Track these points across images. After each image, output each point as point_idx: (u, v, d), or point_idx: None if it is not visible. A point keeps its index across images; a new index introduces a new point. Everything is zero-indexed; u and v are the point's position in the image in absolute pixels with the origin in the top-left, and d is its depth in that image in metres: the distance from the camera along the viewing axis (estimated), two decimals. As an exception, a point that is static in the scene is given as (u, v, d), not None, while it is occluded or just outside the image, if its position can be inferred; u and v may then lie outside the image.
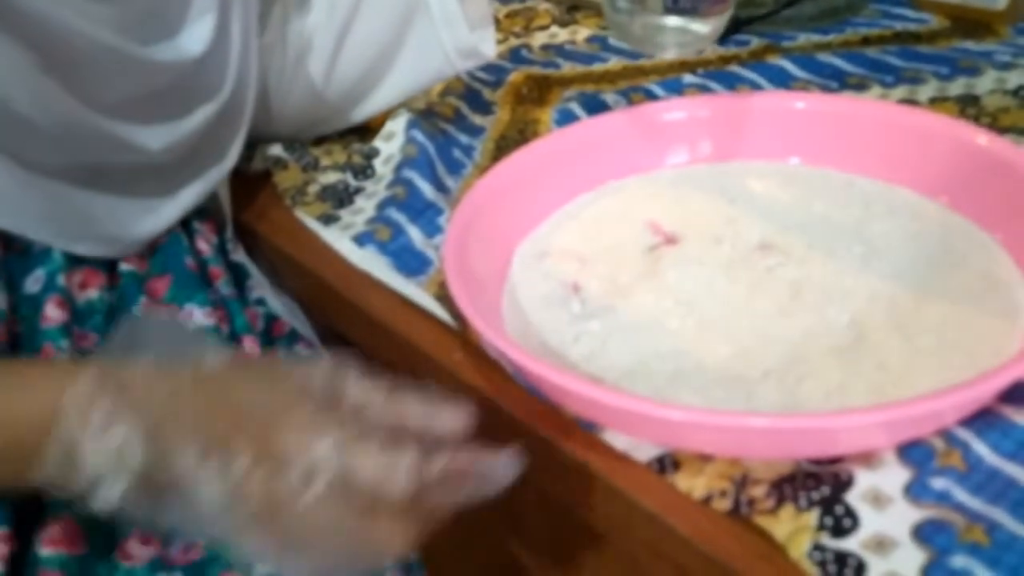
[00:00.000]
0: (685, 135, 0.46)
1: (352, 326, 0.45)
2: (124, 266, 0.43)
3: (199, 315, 0.42)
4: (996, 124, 0.48)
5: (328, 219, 0.49)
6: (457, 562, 0.45)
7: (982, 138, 0.41)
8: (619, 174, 0.46)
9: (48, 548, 0.34)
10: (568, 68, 0.62)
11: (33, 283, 0.40)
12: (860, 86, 0.54)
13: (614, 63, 0.62)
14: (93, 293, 0.41)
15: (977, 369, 0.32)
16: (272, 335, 0.46)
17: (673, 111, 0.47)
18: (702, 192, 0.45)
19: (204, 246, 0.46)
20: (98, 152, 0.40)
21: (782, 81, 0.56)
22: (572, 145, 0.47)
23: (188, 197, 0.45)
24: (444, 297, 0.41)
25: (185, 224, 0.46)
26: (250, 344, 0.43)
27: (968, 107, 0.50)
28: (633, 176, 0.46)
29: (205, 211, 0.48)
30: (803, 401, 0.33)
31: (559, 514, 0.39)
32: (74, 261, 0.41)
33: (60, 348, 0.38)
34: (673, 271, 0.41)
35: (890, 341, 0.35)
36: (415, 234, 0.46)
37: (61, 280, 0.40)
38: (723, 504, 0.30)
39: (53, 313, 0.39)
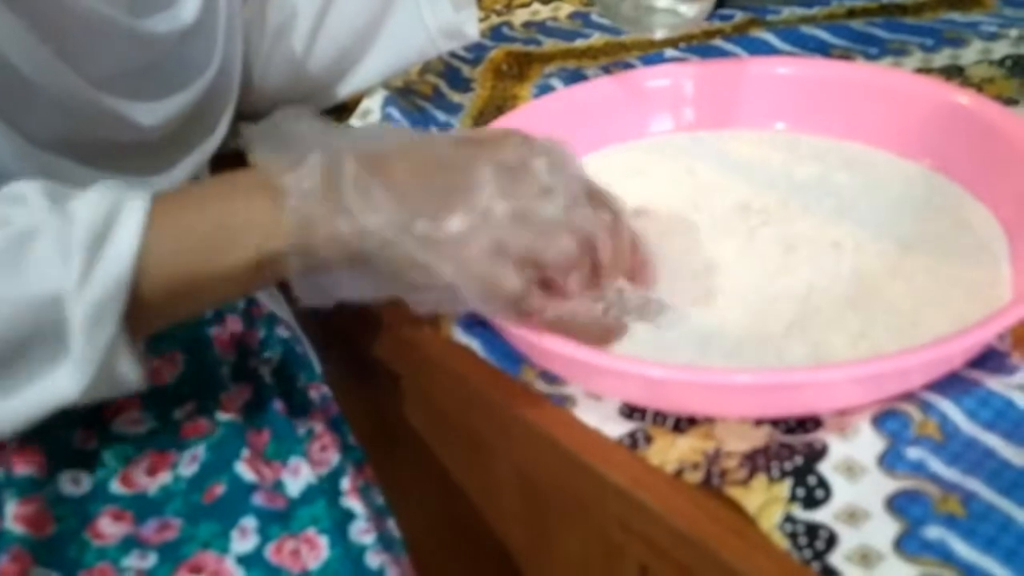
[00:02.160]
0: (669, 103, 0.45)
1: (327, 309, 0.44)
2: None
3: None
4: (982, 94, 0.47)
5: (302, 197, 0.48)
6: (437, 539, 0.45)
7: (963, 97, 0.41)
8: (598, 144, 0.46)
9: (18, 525, 0.33)
10: (550, 44, 0.61)
11: None
12: (844, 58, 0.53)
13: (596, 39, 0.61)
14: None
15: (980, 304, 0.33)
16: (252, 316, 0.45)
17: (657, 78, 0.46)
18: (677, 163, 0.44)
19: None
20: (92, 127, 0.40)
21: (766, 55, 0.55)
22: (553, 114, 0.46)
23: (180, 173, 0.44)
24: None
25: None
26: (233, 323, 0.42)
27: (953, 77, 0.49)
28: (611, 146, 0.45)
29: None
30: (833, 351, 0.33)
31: (534, 491, 0.39)
32: None
33: None
34: (659, 242, 0.40)
35: (894, 286, 0.35)
36: (388, 210, 0.45)
37: None
38: (695, 477, 0.30)
39: None
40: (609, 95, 0.46)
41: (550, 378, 0.34)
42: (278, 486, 0.37)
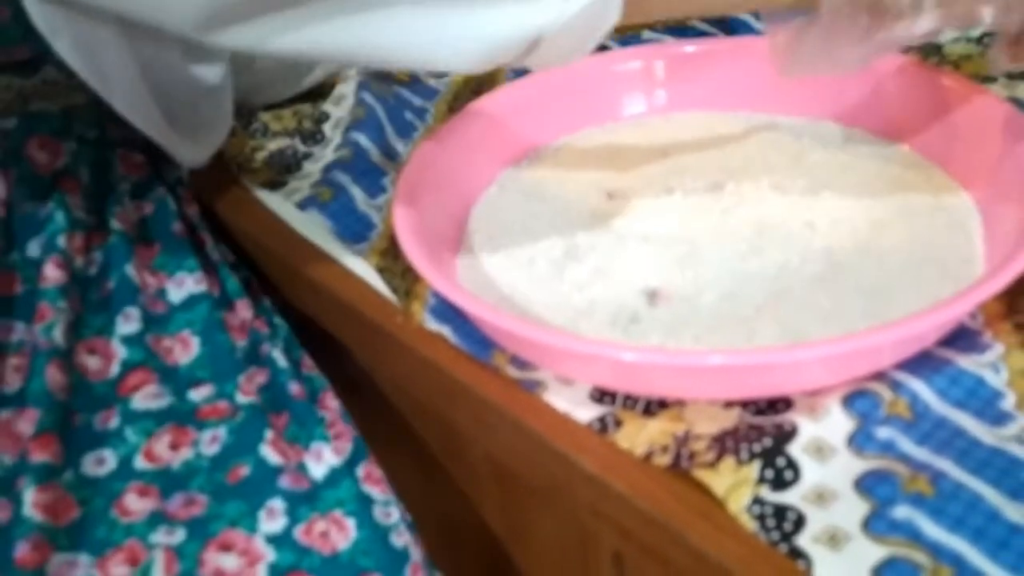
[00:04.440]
0: (641, 85, 0.45)
1: (297, 293, 0.44)
2: (116, 224, 0.42)
3: (190, 282, 0.42)
4: (959, 72, 0.47)
5: (274, 185, 0.48)
6: (419, 527, 0.44)
7: (938, 76, 0.41)
8: (573, 126, 0.45)
9: (37, 513, 0.33)
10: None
11: (35, 247, 0.40)
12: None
13: (574, 21, 0.60)
14: (95, 255, 0.41)
15: (953, 282, 0.32)
16: (260, 304, 0.45)
17: (628, 60, 0.45)
18: (650, 144, 0.44)
19: (191, 211, 0.46)
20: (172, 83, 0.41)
21: (745, 36, 0.54)
22: (527, 98, 0.45)
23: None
24: (385, 268, 0.40)
25: (172, 188, 0.46)
26: (243, 308, 0.42)
27: (930, 55, 0.49)
28: (583, 130, 0.45)
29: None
30: (803, 332, 0.32)
31: (508, 477, 0.39)
32: (74, 224, 0.41)
33: (57, 308, 0.38)
34: (632, 227, 0.40)
35: (866, 266, 0.35)
36: (357, 194, 0.44)
37: (61, 241, 0.40)
38: (663, 460, 0.29)
39: (52, 274, 0.39)
40: (583, 77, 0.45)
41: (521, 363, 0.34)
42: (301, 468, 0.37)
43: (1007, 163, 0.36)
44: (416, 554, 0.37)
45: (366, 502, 0.37)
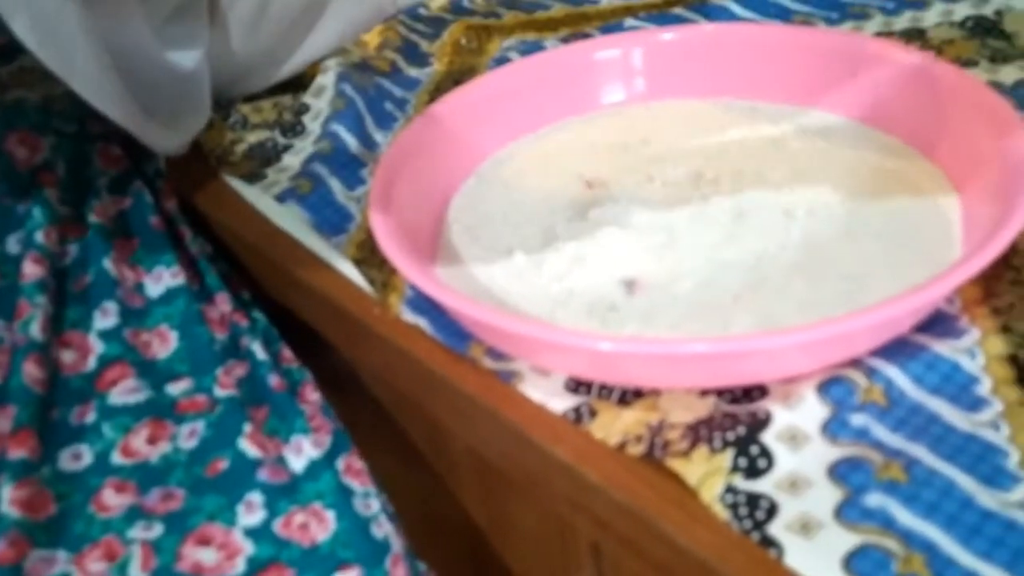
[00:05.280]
0: (620, 73, 0.44)
1: (276, 286, 0.43)
2: (93, 218, 0.42)
3: (168, 276, 0.41)
4: (941, 56, 0.47)
5: (253, 178, 0.47)
6: (403, 519, 0.44)
7: (917, 60, 0.40)
8: (549, 119, 0.45)
9: (15, 509, 0.33)
10: (510, 17, 0.60)
11: (14, 243, 0.40)
12: (805, 24, 0.52)
13: (556, 10, 0.59)
14: (73, 249, 0.41)
15: (931, 267, 0.32)
16: (239, 298, 0.45)
17: (606, 49, 0.45)
18: (630, 133, 0.43)
19: (169, 204, 0.45)
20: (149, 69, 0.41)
21: (727, 22, 0.54)
22: (506, 88, 0.45)
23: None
24: (362, 260, 0.40)
25: (150, 182, 0.45)
26: (222, 302, 0.42)
27: (913, 40, 0.48)
28: (563, 120, 0.45)
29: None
30: (779, 319, 0.32)
31: (487, 469, 0.38)
32: (53, 219, 0.41)
33: (36, 304, 0.38)
34: (611, 216, 0.40)
35: (844, 252, 0.35)
36: (336, 186, 0.44)
37: (39, 237, 0.40)
38: (637, 449, 0.29)
39: (30, 270, 0.39)
40: (562, 67, 0.45)
41: (497, 355, 0.34)
42: (280, 461, 0.37)
43: (986, 148, 0.36)
44: (397, 544, 0.37)
45: (346, 494, 0.37)
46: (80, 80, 0.38)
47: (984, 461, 0.27)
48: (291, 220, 0.43)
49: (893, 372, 0.30)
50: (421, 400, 0.37)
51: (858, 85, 0.42)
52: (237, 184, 0.47)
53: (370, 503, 0.37)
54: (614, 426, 0.30)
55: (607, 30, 0.55)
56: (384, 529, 0.37)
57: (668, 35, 0.45)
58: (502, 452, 0.33)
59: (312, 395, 0.41)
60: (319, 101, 0.52)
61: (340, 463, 0.38)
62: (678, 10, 0.56)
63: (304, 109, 0.52)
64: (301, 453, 0.38)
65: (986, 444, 0.27)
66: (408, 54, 0.57)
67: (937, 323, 0.31)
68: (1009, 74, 0.44)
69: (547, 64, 0.45)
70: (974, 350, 0.30)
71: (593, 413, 0.31)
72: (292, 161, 0.48)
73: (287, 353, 0.43)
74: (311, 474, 0.37)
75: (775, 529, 0.26)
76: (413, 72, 0.55)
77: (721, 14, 0.55)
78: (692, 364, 0.30)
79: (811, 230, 0.36)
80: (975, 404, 0.29)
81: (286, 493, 0.36)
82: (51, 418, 0.36)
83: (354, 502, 0.37)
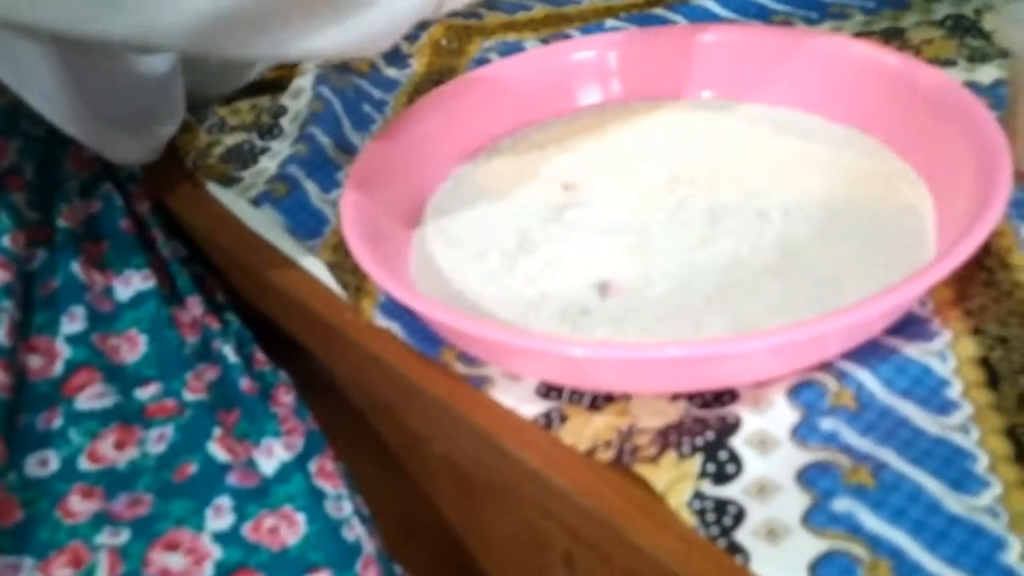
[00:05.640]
0: (595, 74, 0.44)
1: (250, 289, 0.43)
2: (61, 223, 0.42)
3: (138, 279, 0.41)
4: (920, 56, 0.47)
5: (229, 181, 0.47)
6: (384, 526, 0.44)
7: (893, 59, 0.40)
8: (525, 120, 0.44)
9: None
10: (491, 17, 0.59)
11: None
12: (785, 24, 0.52)
13: (537, 10, 0.59)
14: (41, 253, 0.41)
15: (904, 269, 0.32)
16: (212, 301, 0.45)
17: (582, 50, 0.45)
18: (606, 135, 0.43)
19: (142, 207, 0.45)
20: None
21: (707, 22, 0.54)
22: (483, 89, 0.45)
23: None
24: (336, 264, 0.39)
25: (121, 185, 0.45)
26: (194, 305, 0.42)
27: (892, 39, 0.48)
28: (541, 121, 0.44)
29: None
30: (751, 322, 0.32)
31: (462, 475, 0.38)
32: (20, 223, 0.40)
33: (2, 309, 0.37)
34: (586, 217, 0.39)
35: (817, 252, 0.35)
36: (312, 189, 0.44)
37: (6, 241, 0.39)
38: (606, 455, 0.29)
39: None
40: (538, 68, 0.45)
41: (469, 360, 0.34)
42: (251, 464, 0.37)
43: (960, 149, 0.35)
44: (369, 547, 0.36)
45: (317, 497, 0.37)
46: (38, 97, 0.38)
47: (952, 465, 0.27)
48: (266, 223, 0.43)
49: (864, 375, 0.30)
50: (393, 405, 0.37)
51: (835, 85, 0.42)
52: (213, 187, 0.47)
53: (342, 506, 0.37)
54: (584, 432, 0.30)
55: (588, 31, 0.55)
56: (356, 532, 0.36)
57: (643, 36, 0.45)
58: (473, 458, 0.33)
59: (285, 398, 0.41)
60: (297, 103, 0.52)
61: (312, 465, 0.38)
62: (659, 10, 0.56)
63: (282, 111, 0.52)
64: (272, 456, 0.38)
65: (955, 448, 0.27)
66: (387, 55, 0.56)
67: (909, 325, 0.31)
68: (987, 73, 0.44)
69: (524, 66, 0.45)
70: (945, 353, 0.30)
71: (563, 418, 0.31)
72: (269, 164, 0.48)
73: (260, 356, 0.42)
74: (282, 477, 0.37)
75: (742, 535, 0.26)
76: (392, 73, 0.55)
77: (702, 14, 0.54)
78: (662, 369, 0.30)
79: (785, 232, 0.36)
80: (945, 407, 0.28)
81: (256, 497, 0.36)
82: (17, 424, 0.36)
83: (325, 505, 0.37)
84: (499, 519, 0.38)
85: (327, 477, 0.38)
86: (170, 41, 0.32)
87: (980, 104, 0.35)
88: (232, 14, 0.31)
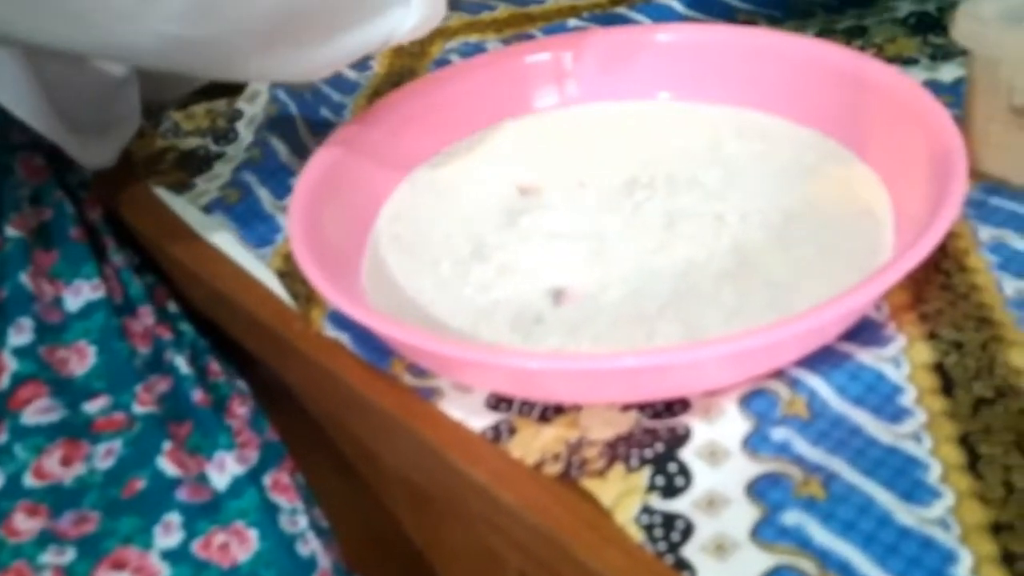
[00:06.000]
0: (551, 77, 0.43)
1: (200, 299, 0.42)
2: (11, 231, 0.40)
3: (87, 289, 0.40)
4: (882, 54, 0.46)
5: (181, 187, 0.46)
6: (344, 540, 0.43)
7: (852, 59, 0.39)
8: (482, 124, 0.44)
9: None
10: (454, 18, 0.58)
11: None
12: (748, 23, 0.51)
13: (500, 10, 0.58)
14: None
15: (860, 273, 0.31)
16: (164, 311, 0.44)
17: (537, 52, 0.44)
18: (564, 138, 0.42)
19: (93, 215, 0.44)
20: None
21: (671, 22, 0.53)
22: (440, 92, 0.44)
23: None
24: (287, 273, 0.38)
25: (73, 192, 0.44)
26: (146, 315, 0.41)
27: (855, 38, 0.48)
28: (496, 125, 0.44)
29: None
30: (704, 330, 0.31)
31: (415, 489, 0.37)
32: None
33: None
34: (542, 222, 0.39)
35: (773, 257, 0.34)
36: (264, 195, 0.43)
37: None
38: (554, 469, 0.28)
39: None
40: (495, 71, 0.44)
41: (418, 371, 0.33)
42: (202, 478, 0.36)
43: (918, 150, 0.35)
44: (325, 562, 0.36)
45: (271, 511, 0.36)
46: (9, 95, 0.37)
47: (904, 475, 0.26)
48: (217, 231, 0.42)
49: (816, 383, 0.29)
50: (344, 418, 0.36)
51: (796, 85, 0.41)
52: (165, 194, 0.46)
53: (297, 520, 0.37)
54: (533, 444, 0.29)
55: (551, 31, 0.54)
56: (311, 546, 0.36)
57: (599, 37, 0.44)
58: (423, 473, 0.32)
59: (240, 409, 0.40)
60: (253, 107, 0.51)
61: (267, 479, 0.38)
62: (622, 9, 0.55)
63: (238, 115, 0.51)
64: (224, 470, 0.37)
65: (907, 457, 0.26)
66: (348, 57, 0.56)
67: (864, 330, 0.31)
68: (949, 72, 0.44)
69: (479, 68, 0.44)
70: (899, 359, 0.30)
71: (512, 431, 0.30)
72: (223, 169, 0.47)
73: (215, 367, 0.41)
74: (234, 492, 0.36)
75: (689, 551, 0.25)
76: (352, 75, 0.54)
77: (666, 13, 0.54)
78: (611, 379, 0.29)
79: (742, 236, 0.36)
80: (898, 415, 0.28)
81: (206, 512, 0.35)
82: None
83: (280, 519, 0.36)
84: (454, 534, 0.37)
85: (282, 491, 0.38)
86: (132, 57, 0.33)
87: (937, 103, 0.35)
88: (197, 40, 0.32)
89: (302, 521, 0.37)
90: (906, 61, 0.45)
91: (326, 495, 0.40)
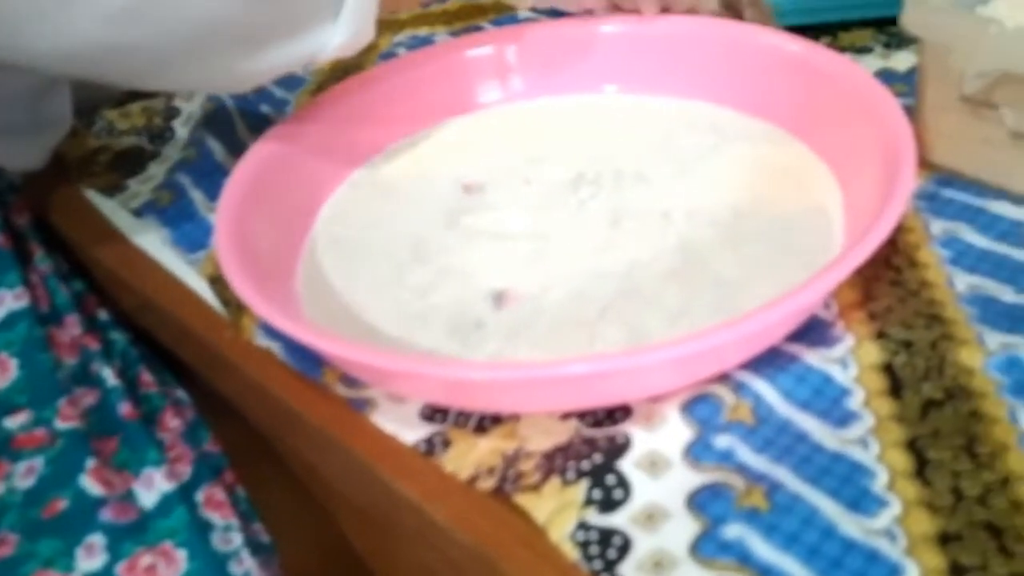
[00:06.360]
0: (494, 72, 0.42)
1: (131, 307, 0.40)
2: None
3: (10, 299, 0.38)
4: (836, 43, 0.45)
5: (113, 190, 0.44)
6: (294, 552, 0.42)
7: (803, 49, 0.38)
8: (425, 120, 0.42)
9: None
10: (404, 11, 0.57)
11: None
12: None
13: (452, 2, 0.57)
14: None
15: (808, 270, 0.30)
16: (92, 319, 0.41)
17: (479, 46, 0.42)
18: (508, 134, 0.41)
19: (20, 220, 0.41)
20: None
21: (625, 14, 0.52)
22: (383, 88, 0.42)
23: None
24: (218, 280, 0.36)
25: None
26: (73, 324, 0.39)
27: (810, 27, 0.47)
28: (440, 121, 0.42)
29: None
30: (647, 333, 0.30)
31: (355, 507, 0.36)
32: None
33: None
34: (485, 222, 0.37)
35: (721, 255, 0.33)
36: (198, 198, 0.41)
37: None
38: (488, 484, 0.27)
39: None
40: (438, 65, 0.42)
41: (351, 381, 0.31)
42: (129, 496, 0.34)
43: (868, 141, 0.34)
44: None
45: (203, 529, 0.35)
46: None
47: (850, 483, 0.25)
48: (148, 235, 0.40)
49: (762, 386, 0.28)
50: (278, 431, 0.34)
51: (747, 76, 0.40)
52: (96, 197, 0.44)
53: (231, 537, 0.35)
54: (467, 458, 0.28)
55: (501, 22, 0.53)
56: (245, 565, 0.34)
57: (543, 29, 0.43)
58: (356, 488, 0.30)
59: (173, 422, 0.38)
60: (191, 104, 0.49)
61: (200, 495, 0.36)
62: (575, 0, 0.54)
63: (175, 113, 0.49)
64: (153, 487, 0.35)
65: (853, 464, 0.25)
66: (293, 52, 0.54)
67: (812, 330, 0.29)
68: (902, 60, 0.43)
69: (422, 64, 0.42)
70: (847, 359, 0.28)
71: (447, 443, 0.28)
72: (157, 170, 0.45)
73: (147, 377, 0.40)
74: (162, 510, 0.35)
75: (626, 569, 0.24)
76: (297, 70, 0.52)
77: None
78: (549, 387, 0.28)
79: (689, 234, 0.34)
80: (845, 419, 0.27)
81: (132, 533, 0.33)
82: None
83: (212, 538, 0.35)
84: (396, 548, 0.36)
85: (216, 507, 0.36)
86: (55, 63, 0.32)
87: (886, 93, 0.34)
88: (122, 46, 0.32)
89: (237, 539, 0.35)
90: (860, 50, 0.44)
91: (272, 508, 0.39)
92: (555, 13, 0.52)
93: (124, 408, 0.37)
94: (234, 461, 0.40)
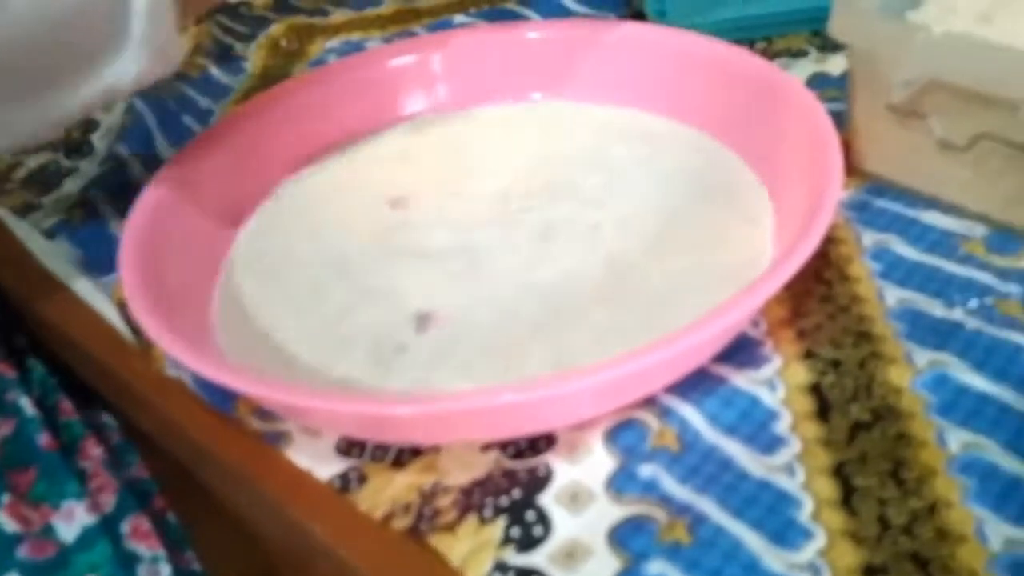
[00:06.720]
0: (418, 81, 0.40)
1: (45, 336, 0.38)
2: None
3: None
4: (771, 47, 0.45)
5: (27, 209, 0.42)
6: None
7: (737, 56, 0.37)
8: (350, 132, 0.40)
9: None
10: (337, 15, 0.55)
11: None
12: (640, 15, 0.49)
13: (387, 7, 0.55)
14: None
15: (738, 284, 0.28)
16: (9, 346, 0.39)
17: (402, 55, 0.41)
18: (434, 146, 0.39)
19: None
20: None
21: (560, 17, 0.50)
22: (309, 97, 0.40)
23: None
24: (127, 304, 0.35)
25: None
26: None
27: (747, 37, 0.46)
28: (368, 132, 0.40)
29: None
30: (574, 355, 0.29)
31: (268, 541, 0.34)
32: None
33: None
34: (411, 240, 0.36)
35: (650, 273, 0.32)
36: (112, 217, 0.39)
37: None
38: (403, 523, 0.26)
39: None
40: (363, 74, 0.40)
41: (265, 414, 0.30)
42: (47, 531, 0.32)
43: (797, 149, 0.33)
44: None
45: (128, 562, 0.33)
46: None
47: (775, 513, 0.24)
48: (59, 258, 0.38)
49: (688, 411, 0.27)
50: (193, 467, 0.33)
51: (678, 83, 0.39)
52: (8, 217, 0.42)
53: (159, 569, 0.33)
54: (383, 494, 0.26)
55: (436, 28, 0.51)
56: None
57: (467, 36, 0.41)
58: (269, 528, 0.29)
59: (94, 450, 0.36)
60: (110, 116, 0.47)
61: (125, 526, 0.34)
62: (511, 5, 0.52)
63: (93, 126, 0.46)
64: (73, 520, 0.33)
65: (779, 493, 0.25)
66: (220, 58, 0.52)
67: (740, 350, 0.29)
68: (837, 64, 0.42)
69: (345, 73, 0.41)
70: (775, 381, 0.28)
71: (363, 479, 0.27)
72: (72, 187, 0.43)
73: (67, 405, 0.38)
74: (84, 543, 0.33)
75: (543, 612, 0.23)
76: (224, 79, 0.50)
77: (556, 9, 0.51)
78: (468, 419, 0.26)
79: (618, 247, 0.33)
80: (771, 445, 0.26)
81: (51, 570, 0.32)
82: None
83: (138, 570, 0.33)
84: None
85: (142, 537, 0.34)
86: None
87: (814, 100, 0.33)
88: None
89: (165, 570, 0.33)
90: (795, 54, 0.44)
91: (205, 536, 0.37)
92: (495, 17, 0.51)
93: (42, 439, 0.35)
94: (165, 487, 0.38)
